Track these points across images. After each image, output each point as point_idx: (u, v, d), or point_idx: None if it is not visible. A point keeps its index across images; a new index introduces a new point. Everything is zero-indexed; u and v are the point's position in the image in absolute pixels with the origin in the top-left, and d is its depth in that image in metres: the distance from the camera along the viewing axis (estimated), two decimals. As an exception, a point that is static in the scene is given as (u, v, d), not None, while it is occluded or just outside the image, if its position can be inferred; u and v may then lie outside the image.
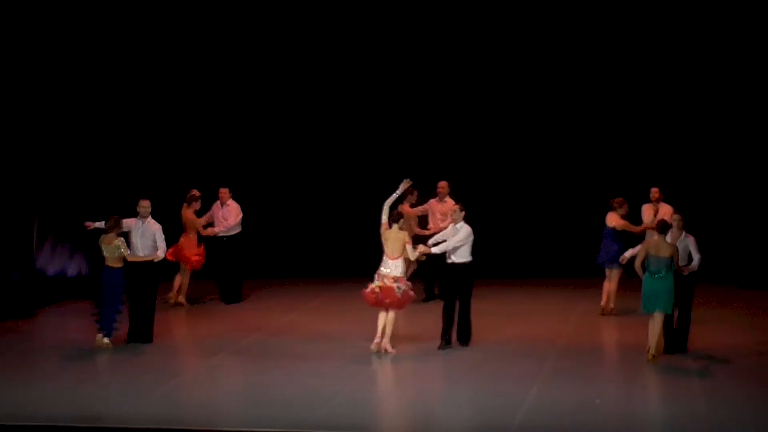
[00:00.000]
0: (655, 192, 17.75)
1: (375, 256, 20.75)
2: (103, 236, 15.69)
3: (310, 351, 15.43)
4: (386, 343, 15.13)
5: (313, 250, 22.10)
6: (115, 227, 15.61)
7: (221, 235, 18.91)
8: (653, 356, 14.53)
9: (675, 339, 15.02)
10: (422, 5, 21.79)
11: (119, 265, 15.57)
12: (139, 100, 21.02)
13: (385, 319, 15.17)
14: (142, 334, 15.88)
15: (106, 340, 15.51)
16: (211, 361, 15.22)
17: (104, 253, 15.63)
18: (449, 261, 15.59)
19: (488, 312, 17.34)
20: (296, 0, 22.03)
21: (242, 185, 20.58)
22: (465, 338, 15.67)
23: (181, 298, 18.62)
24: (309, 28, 22.00)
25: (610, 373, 14.18)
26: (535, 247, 21.60)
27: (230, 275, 19.09)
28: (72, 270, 19.66)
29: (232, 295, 19.09)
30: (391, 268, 15.20)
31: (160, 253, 15.99)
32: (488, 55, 21.84)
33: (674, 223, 15.07)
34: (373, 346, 15.14)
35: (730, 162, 20.99)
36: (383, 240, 15.34)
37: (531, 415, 12.41)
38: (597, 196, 21.21)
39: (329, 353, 15.30)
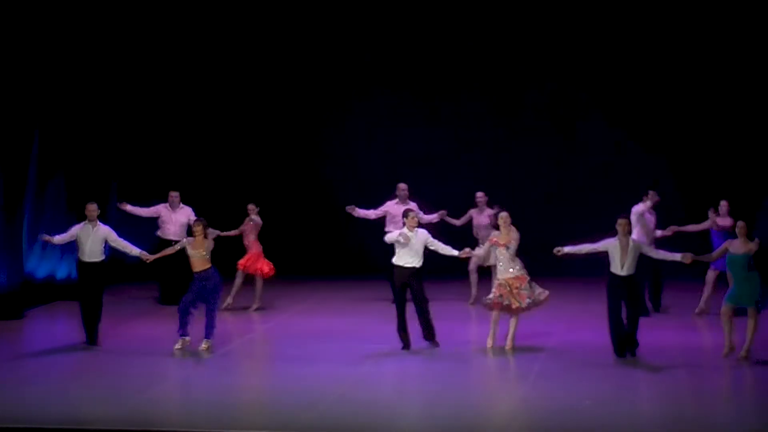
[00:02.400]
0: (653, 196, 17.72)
1: (366, 255, 20.89)
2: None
3: (301, 352, 15.42)
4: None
5: (304, 251, 22.11)
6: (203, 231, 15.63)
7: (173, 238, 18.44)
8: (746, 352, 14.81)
9: (627, 339, 14.97)
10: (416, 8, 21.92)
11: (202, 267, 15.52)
12: (131, 100, 21.05)
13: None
14: (90, 335, 15.80)
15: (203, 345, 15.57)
16: (201, 364, 15.19)
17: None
18: (400, 264, 15.45)
19: (478, 313, 17.33)
20: (293, 2, 22.12)
21: (234, 186, 20.61)
22: (430, 335, 15.59)
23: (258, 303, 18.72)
24: (310, 26, 22.10)
25: (599, 374, 14.16)
26: (526, 248, 21.59)
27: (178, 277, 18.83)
28: (61, 273, 19.64)
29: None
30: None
31: (137, 251, 15.92)
32: (488, 55, 21.95)
33: (619, 229, 14.83)
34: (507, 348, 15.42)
35: (721, 164, 21.07)
36: None
37: (520, 416, 12.39)
38: (587, 197, 21.41)
39: (319, 355, 15.29)
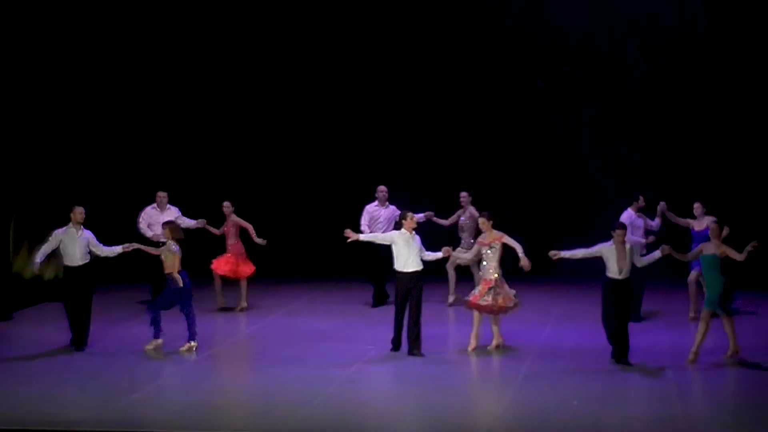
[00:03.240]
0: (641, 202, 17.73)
1: (354, 257, 20.88)
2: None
3: (288, 354, 15.42)
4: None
5: (292, 252, 22.07)
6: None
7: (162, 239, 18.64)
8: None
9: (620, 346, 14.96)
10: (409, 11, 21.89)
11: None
12: (119, 99, 21.02)
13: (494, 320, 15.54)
14: (79, 338, 15.80)
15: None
16: (189, 364, 15.20)
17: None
18: (404, 270, 15.42)
19: (466, 315, 17.34)
20: (282, 4, 22.07)
21: (221, 187, 20.58)
22: (417, 348, 15.39)
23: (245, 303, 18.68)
24: (303, 30, 22.05)
25: (588, 375, 14.21)
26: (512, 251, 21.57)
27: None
28: (48, 274, 19.60)
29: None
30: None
31: (119, 248, 15.95)
32: (480, 61, 21.94)
33: (618, 239, 14.80)
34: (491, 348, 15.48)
35: (713, 165, 21.13)
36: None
37: (508, 416, 12.44)
38: (577, 200, 21.43)
39: (306, 356, 15.30)
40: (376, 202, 18.89)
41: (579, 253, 15.04)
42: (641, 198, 17.68)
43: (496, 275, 15.40)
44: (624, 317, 14.81)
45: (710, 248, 14.98)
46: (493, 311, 15.45)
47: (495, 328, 15.58)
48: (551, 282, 20.45)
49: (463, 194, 19.07)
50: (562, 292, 19.91)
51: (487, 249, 15.50)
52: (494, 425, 12.12)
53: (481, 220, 15.75)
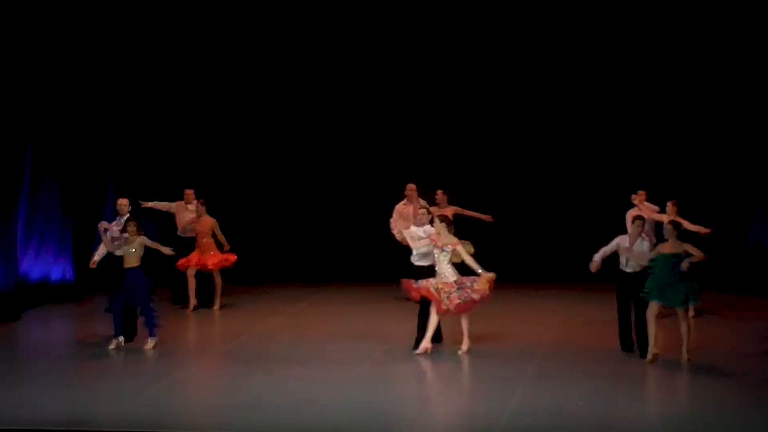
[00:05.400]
0: (642, 195, 17.58)
1: (355, 260, 20.93)
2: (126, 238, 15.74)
3: (295, 354, 15.45)
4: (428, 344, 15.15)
5: (294, 254, 22.10)
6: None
7: (188, 235, 18.88)
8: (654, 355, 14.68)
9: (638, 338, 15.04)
10: (418, 8, 21.82)
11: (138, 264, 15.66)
12: (123, 100, 21.04)
13: (434, 321, 15.14)
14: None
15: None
16: (196, 365, 15.23)
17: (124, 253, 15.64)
18: (422, 264, 15.47)
19: (472, 315, 17.39)
20: (289, 2, 22.08)
21: (223, 189, 20.63)
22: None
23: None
24: (303, 31, 22.00)
25: (594, 375, 14.21)
26: (517, 252, 21.57)
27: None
28: (56, 274, 19.64)
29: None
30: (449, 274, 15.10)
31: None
32: (488, 59, 21.85)
33: (637, 229, 14.89)
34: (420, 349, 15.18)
35: (714, 164, 21.11)
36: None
37: (515, 417, 12.44)
38: (582, 202, 21.46)
39: (313, 356, 15.33)
40: (404, 200, 18.88)
41: (602, 254, 15.06)
42: (640, 192, 17.51)
43: (455, 278, 15.09)
44: (639, 312, 14.87)
45: (667, 249, 14.79)
46: (451, 313, 15.19)
47: (429, 332, 15.23)
48: (557, 282, 20.49)
49: (439, 192, 19.00)
50: (569, 293, 19.90)
51: (439, 252, 15.26)
52: (500, 425, 12.13)
53: (437, 222, 15.34)
